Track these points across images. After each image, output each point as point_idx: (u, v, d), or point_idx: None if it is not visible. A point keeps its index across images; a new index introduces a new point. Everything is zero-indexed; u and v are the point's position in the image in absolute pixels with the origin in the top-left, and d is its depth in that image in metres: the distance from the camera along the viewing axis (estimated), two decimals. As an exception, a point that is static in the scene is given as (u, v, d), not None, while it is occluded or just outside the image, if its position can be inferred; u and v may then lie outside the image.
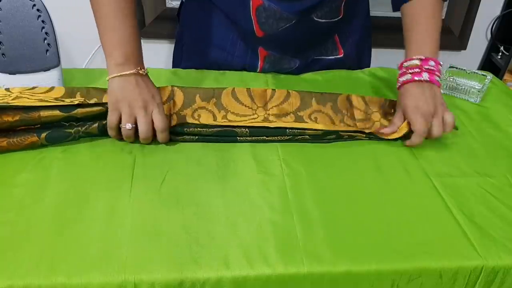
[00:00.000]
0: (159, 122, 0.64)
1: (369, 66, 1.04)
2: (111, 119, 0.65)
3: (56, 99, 0.70)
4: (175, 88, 0.77)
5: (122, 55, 0.67)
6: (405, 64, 0.77)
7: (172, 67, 1.00)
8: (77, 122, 0.67)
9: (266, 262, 0.52)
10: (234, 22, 0.87)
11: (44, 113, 0.65)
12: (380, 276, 0.53)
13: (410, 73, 0.76)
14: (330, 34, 0.93)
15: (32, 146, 0.66)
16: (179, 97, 0.76)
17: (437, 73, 0.76)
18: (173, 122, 0.72)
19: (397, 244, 0.55)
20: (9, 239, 0.52)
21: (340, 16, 0.87)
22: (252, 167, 0.66)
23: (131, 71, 0.66)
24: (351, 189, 0.63)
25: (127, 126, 0.63)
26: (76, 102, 0.68)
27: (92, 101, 0.71)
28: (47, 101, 0.67)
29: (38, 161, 0.64)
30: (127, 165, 0.65)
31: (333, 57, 0.95)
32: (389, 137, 0.74)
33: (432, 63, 0.76)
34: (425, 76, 0.74)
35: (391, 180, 0.66)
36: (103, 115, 0.68)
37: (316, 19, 0.84)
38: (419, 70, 0.75)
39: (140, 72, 0.67)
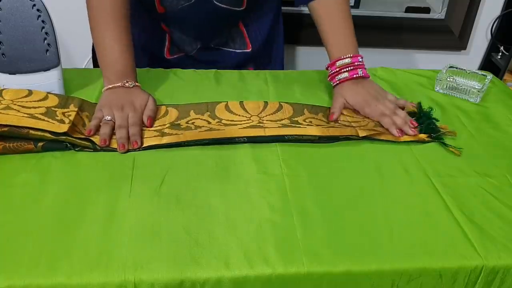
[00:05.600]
0: (131, 118, 0.72)
1: (282, 60, 1.09)
2: (96, 115, 0.73)
3: (48, 108, 0.70)
4: (170, 108, 0.78)
5: (113, 73, 0.78)
6: (338, 63, 0.83)
7: None
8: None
9: (266, 262, 0.52)
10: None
11: (33, 132, 0.65)
12: (380, 276, 0.53)
13: (346, 71, 0.83)
14: (233, 24, 0.97)
15: (29, 152, 0.66)
16: (174, 113, 0.77)
17: (364, 66, 0.84)
18: (167, 130, 0.73)
19: (397, 244, 0.55)
20: (9, 239, 0.52)
21: (243, 7, 0.91)
22: (252, 167, 0.66)
23: (118, 84, 0.77)
24: (351, 189, 0.63)
25: (106, 117, 0.71)
26: (69, 112, 0.71)
27: (83, 115, 0.73)
28: (36, 117, 0.67)
29: (37, 161, 0.64)
30: (126, 165, 0.65)
31: (241, 50, 1.01)
32: (386, 138, 0.74)
33: (360, 59, 0.84)
34: (360, 72, 0.82)
35: (391, 180, 0.66)
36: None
37: (216, 2, 0.88)
38: (353, 68, 0.82)
39: (126, 84, 0.77)
